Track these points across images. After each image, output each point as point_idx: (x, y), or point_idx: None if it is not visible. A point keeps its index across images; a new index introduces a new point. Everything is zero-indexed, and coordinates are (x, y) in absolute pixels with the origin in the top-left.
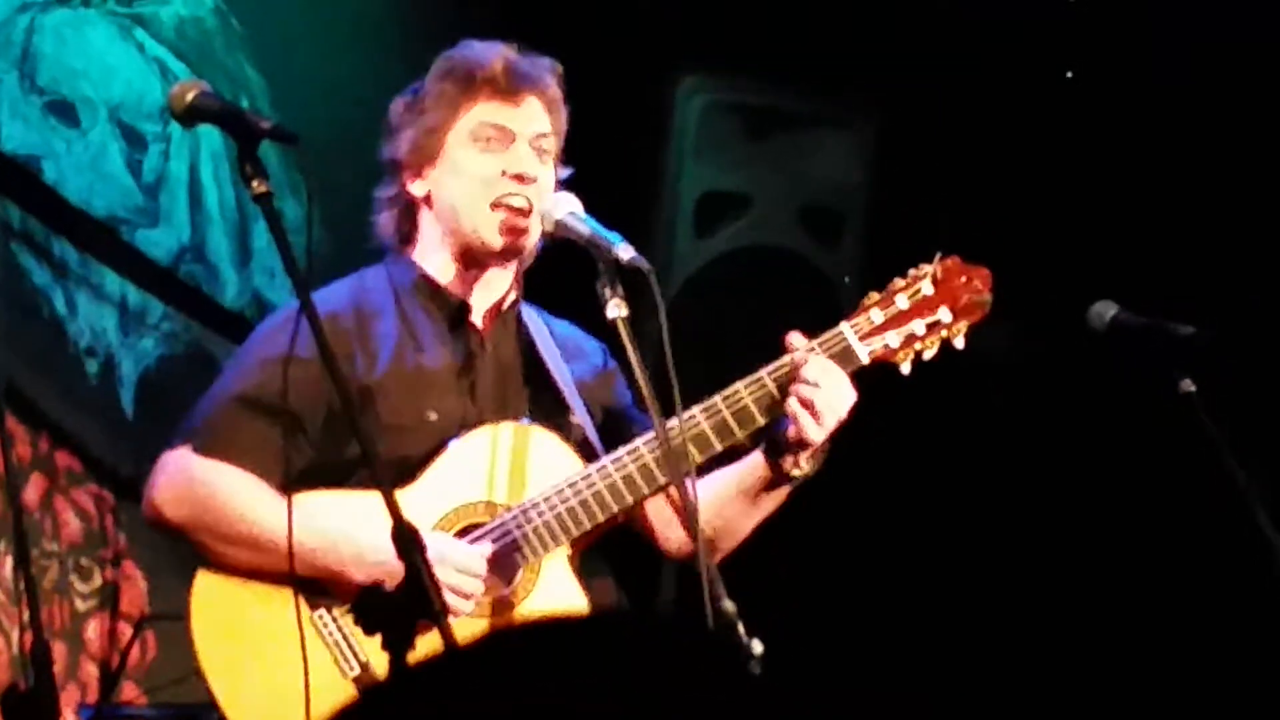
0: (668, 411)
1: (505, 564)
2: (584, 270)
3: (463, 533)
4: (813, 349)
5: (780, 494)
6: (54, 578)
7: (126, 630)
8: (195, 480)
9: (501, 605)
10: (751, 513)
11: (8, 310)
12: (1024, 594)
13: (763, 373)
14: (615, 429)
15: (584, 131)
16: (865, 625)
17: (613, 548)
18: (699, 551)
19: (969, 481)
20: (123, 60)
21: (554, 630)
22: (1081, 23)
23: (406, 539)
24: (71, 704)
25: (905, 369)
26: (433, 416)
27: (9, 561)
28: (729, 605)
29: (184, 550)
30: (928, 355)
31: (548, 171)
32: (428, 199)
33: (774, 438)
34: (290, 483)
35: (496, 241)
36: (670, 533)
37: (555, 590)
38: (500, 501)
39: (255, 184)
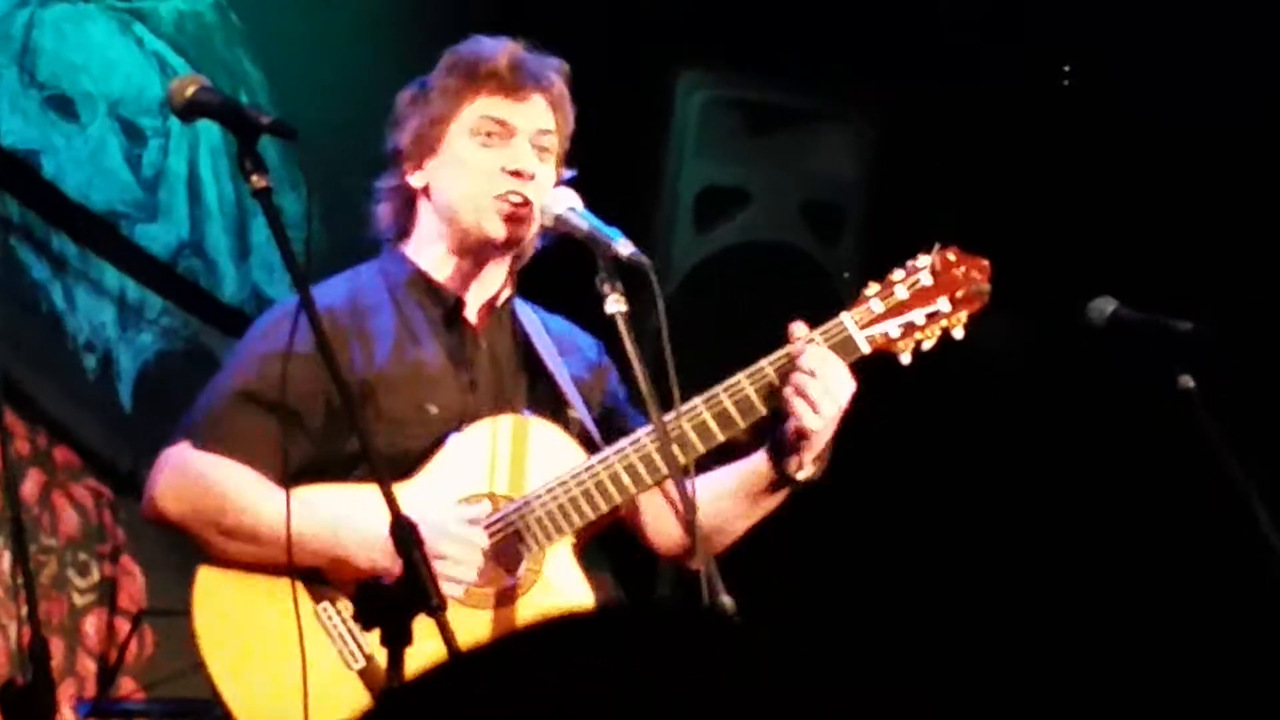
0: (667, 408)
1: (509, 554)
2: (583, 266)
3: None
4: (812, 339)
5: (779, 496)
6: (52, 573)
7: (124, 625)
8: (195, 475)
9: (505, 596)
10: (749, 513)
11: (6, 305)
12: (1022, 590)
13: (763, 362)
14: (610, 425)
15: (584, 126)
16: (863, 620)
17: (610, 543)
18: (696, 546)
19: (968, 477)
20: (122, 55)
21: (566, 628)
22: (1081, 19)
23: (404, 534)
24: (69, 699)
25: (905, 359)
26: (433, 410)
27: (7, 556)
28: (727, 601)
29: (182, 545)
30: (927, 345)
31: (547, 170)
32: (426, 190)
33: (777, 438)
34: (289, 478)
35: (498, 231)
36: (661, 530)
37: (560, 581)
38: (503, 493)
39: (254, 179)
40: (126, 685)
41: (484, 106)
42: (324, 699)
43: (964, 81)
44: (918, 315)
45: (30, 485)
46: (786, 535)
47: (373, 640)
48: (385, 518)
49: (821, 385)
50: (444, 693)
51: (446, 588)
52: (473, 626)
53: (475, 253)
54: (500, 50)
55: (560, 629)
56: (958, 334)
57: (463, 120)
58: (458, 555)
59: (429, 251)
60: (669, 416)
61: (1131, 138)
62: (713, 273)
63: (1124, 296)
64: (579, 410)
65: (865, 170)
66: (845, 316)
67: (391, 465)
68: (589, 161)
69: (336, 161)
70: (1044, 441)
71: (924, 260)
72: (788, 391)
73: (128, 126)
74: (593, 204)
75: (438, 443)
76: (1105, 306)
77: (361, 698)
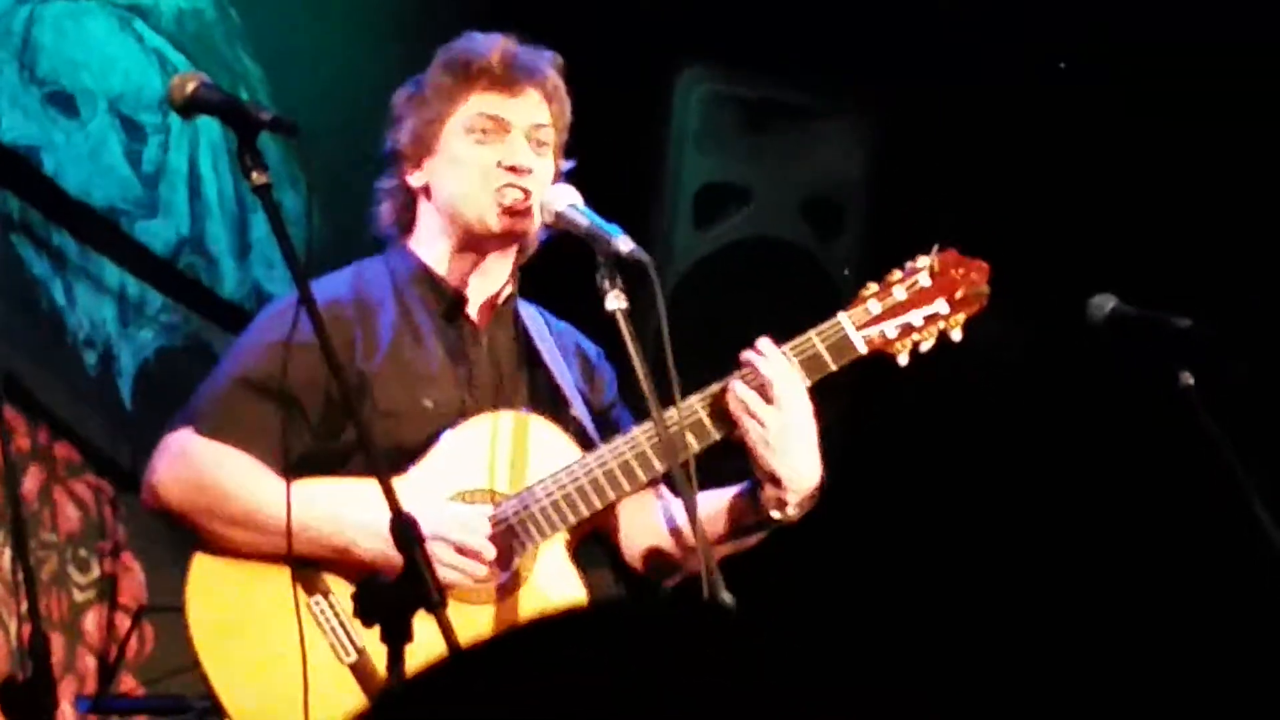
0: (667, 404)
1: (503, 550)
2: (583, 263)
3: None
4: (784, 352)
5: (756, 536)
6: (52, 569)
7: (125, 621)
8: (195, 462)
9: (499, 592)
10: (722, 546)
11: (6, 302)
12: (1021, 588)
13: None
14: (607, 428)
15: (584, 122)
16: (863, 617)
17: (609, 541)
18: (699, 544)
19: (967, 475)
20: (122, 52)
21: (559, 625)
22: (1080, 18)
23: (405, 529)
24: (69, 695)
25: (903, 360)
26: (428, 404)
27: (7, 553)
28: (727, 597)
29: (183, 542)
30: (925, 347)
31: (545, 163)
32: (426, 190)
33: (756, 475)
34: (289, 468)
35: (498, 226)
36: (633, 542)
37: (553, 578)
38: (499, 489)
39: (254, 175)
40: (127, 682)
41: (478, 104)
42: (315, 692)
43: (964, 79)
44: (915, 316)
45: (31, 481)
46: (786, 532)
47: (365, 634)
48: (386, 509)
49: (773, 394)
50: (441, 691)
51: (451, 576)
52: (467, 622)
53: (477, 249)
54: (492, 46)
55: (555, 626)
56: (956, 336)
57: (458, 118)
58: (464, 542)
59: (432, 248)
60: (668, 413)
61: (1131, 135)
62: (713, 269)
63: (1124, 293)
64: (578, 410)
65: (866, 167)
66: (842, 316)
67: (386, 458)
68: (589, 158)
69: (336, 158)
70: (1043, 438)
71: (923, 261)
72: (732, 403)
73: (128, 123)
74: (593, 200)
75: (433, 437)
76: (1105, 303)
77: (353, 691)
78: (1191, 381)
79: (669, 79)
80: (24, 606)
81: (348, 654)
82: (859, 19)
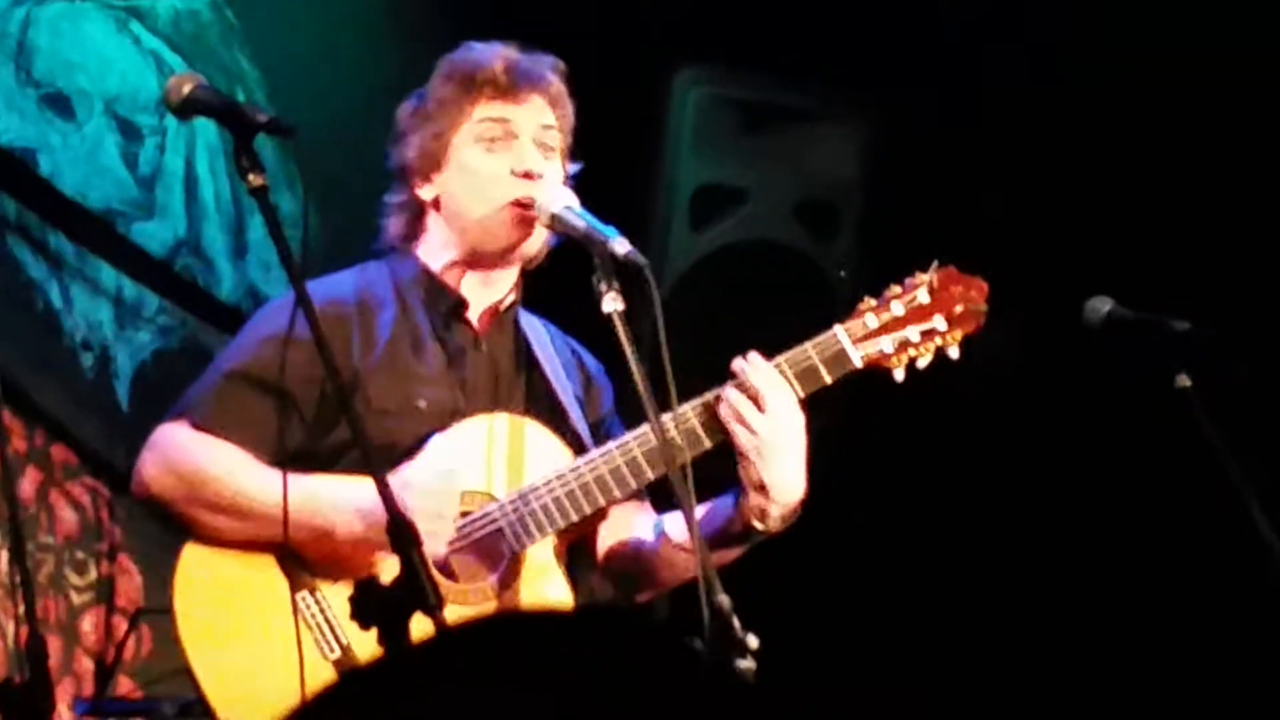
0: (664, 407)
1: (490, 553)
2: (579, 265)
3: None
4: (780, 364)
5: (739, 549)
6: (49, 571)
7: (122, 624)
8: (185, 452)
9: (484, 593)
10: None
11: (3, 304)
12: (1019, 591)
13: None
14: (602, 442)
15: (581, 125)
16: (860, 618)
17: None
18: (695, 545)
19: (964, 478)
20: (118, 53)
21: (528, 623)
22: (1078, 19)
23: (402, 533)
24: (67, 698)
25: (899, 375)
26: (421, 404)
27: (4, 555)
28: (724, 600)
29: (179, 545)
30: (922, 363)
31: (554, 167)
32: (436, 202)
33: (742, 484)
34: (284, 459)
35: (512, 236)
36: (609, 554)
37: (539, 581)
38: (490, 490)
39: (251, 177)
40: (124, 684)
41: (484, 113)
42: (298, 686)
43: (959, 81)
44: (913, 332)
45: (27, 484)
46: (785, 535)
47: (350, 630)
48: (362, 486)
49: (762, 403)
50: (402, 679)
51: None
52: (451, 623)
53: (483, 259)
54: (494, 56)
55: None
56: (953, 353)
57: (465, 130)
58: (424, 507)
59: (437, 256)
60: (663, 418)
61: (1127, 137)
62: (709, 271)
63: (1120, 296)
64: (575, 420)
65: (861, 169)
66: (839, 329)
67: (379, 456)
68: (586, 160)
69: (333, 159)
70: (1040, 441)
71: (922, 278)
72: (723, 410)
73: (124, 124)
74: (589, 202)
75: (425, 438)
76: (1101, 306)
77: None
78: (1188, 384)
79: (665, 81)
80: (21, 609)
81: (332, 650)
82: (855, 22)
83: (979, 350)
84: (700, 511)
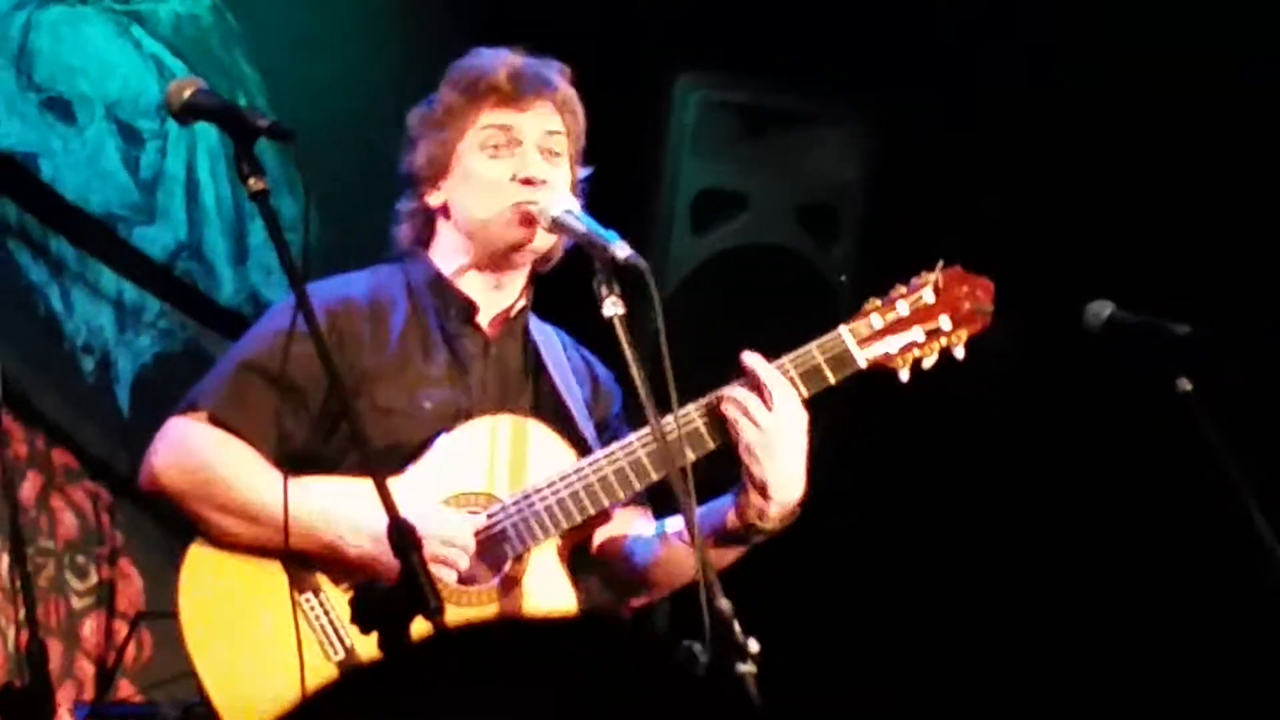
0: (664, 410)
1: (493, 554)
2: (581, 269)
3: None
4: (784, 363)
5: (737, 550)
6: (50, 575)
7: (122, 628)
8: (195, 448)
9: (487, 596)
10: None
11: (4, 308)
12: (1018, 593)
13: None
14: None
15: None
16: (854, 620)
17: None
18: (696, 546)
19: (964, 481)
20: (119, 57)
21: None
22: (1077, 21)
23: (403, 536)
24: (67, 702)
25: (904, 376)
26: (428, 405)
27: (5, 559)
28: (725, 604)
29: (180, 548)
30: (927, 363)
31: (559, 173)
32: (444, 209)
33: (741, 482)
34: (286, 459)
35: (515, 235)
36: (605, 558)
37: (543, 583)
38: (495, 491)
39: (252, 181)
40: (124, 688)
41: (488, 120)
42: (301, 686)
43: (960, 84)
44: (918, 332)
45: (28, 488)
46: (783, 537)
47: (354, 633)
48: (377, 509)
49: (759, 402)
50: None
51: (439, 572)
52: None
53: (493, 265)
54: (499, 63)
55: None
56: (959, 353)
57: (470, 137)
58: (443, 555)
59: (449, 261)
60: (665, 420)
61: (1127, 140)
62: (710, 275)
63: (1121, 299)
64: (582, 426)
65: (862, 173)
66: (844, 330)
67: (384, 456)
68: (587, 164)
69: (334, 163)
70: (1040, 444)
71: (927, 277)
72: (728, 407)
73: (125, 129)
74: (590, 206)
75: (430, 439)
76: (1102, 310)
77: None
78: (1189, 387)
79: (666, 86)
80: (22, 613)
81: (336, 652)
82: (854, 25)
83: (979, 353)
84: (698, 513)
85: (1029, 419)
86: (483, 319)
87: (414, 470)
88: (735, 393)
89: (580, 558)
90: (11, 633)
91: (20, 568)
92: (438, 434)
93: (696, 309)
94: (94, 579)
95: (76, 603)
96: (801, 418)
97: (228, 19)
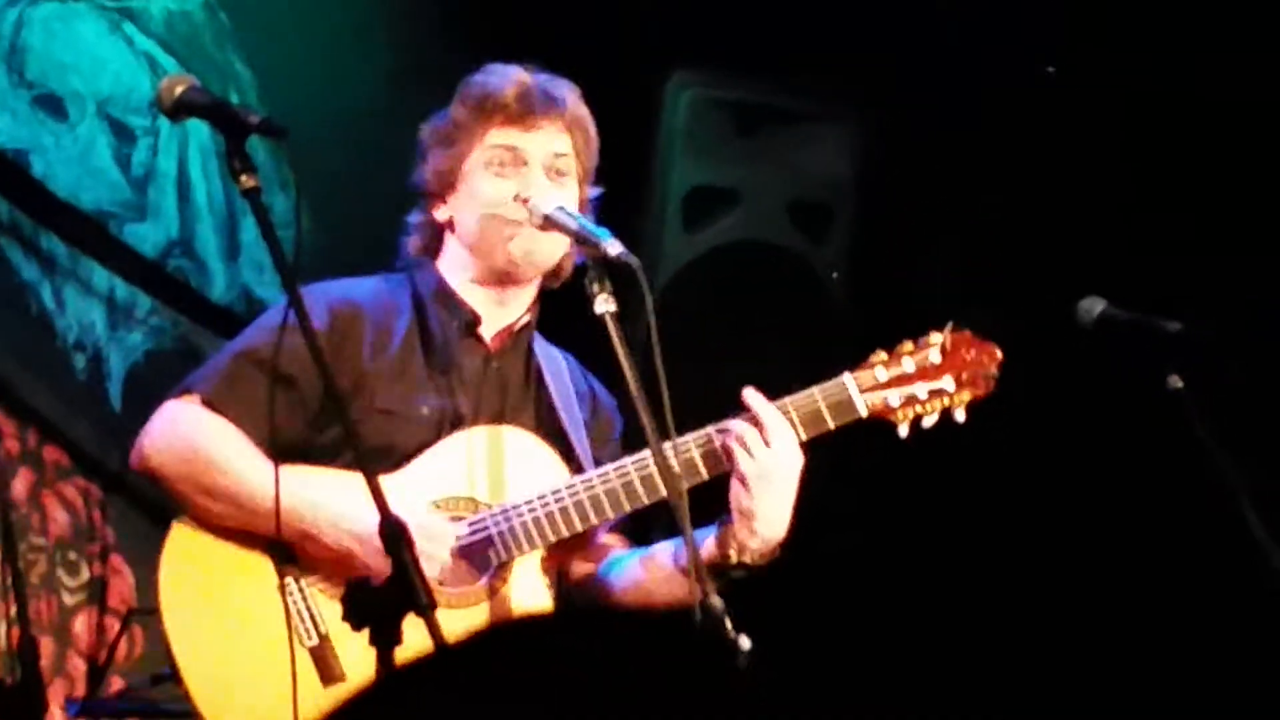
0: (656, 409)
1: (478, 559)
2: (574, 270)
3: None
4: (784, 406)
5: (691, 591)
6: (42, 572)
7: (114, 624)
8: (186, 430)
9: (467, 598)
10: (677, 591)
11: None
12: (1011, 591)
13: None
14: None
15: None
16: (852, 619)
17: None
18: (689, 550)
19: (954, 478)
20: (111, 54)
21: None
22: (1073, 19)
23: (394, 534)
24: (59, 698)
25: (903, 431)
26: (424, 410)
27: None
28: (717, 602)
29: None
30: (927, 422)
31: (566, 194)
32: (451, 224)
33: (724, 517)
34: (279, 454)
35: (515, 254)
36: (577, 581)
37: (523, 590)
38: (484, 499)
39: (244, 178)
40: (116, 684)
41: (495, 138)
42: (272, 669)
43: (953, 81)
44: (921, 389)
45: (20, 484)
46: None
47: (330, 620)
48: (364, 504)
49: (766, 436)
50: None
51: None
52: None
53: (497, 281)
54: (508, 81)
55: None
56: (959, 416)
57: (476, 154)
58: (426, 549)
59: (455, 274)
60: (664, 446)
61: (1120, 135)
62: (702, 272)
63: (1113, 296)
64: (579, 447)
65: (854, 170)
66: (848, 377)
67: (377, 456)
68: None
69: (326, 161)
70: (1031, 441)
71: (935, 338)
72: (725, 438)
73: (117, 126)
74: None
75: (425, 444)
76: (1094, 306)
77: (308, 673)
78: (1181, 384)
79: (657, 83)
80: (13, 610)
81: (309, 637)
82: (847, 23)
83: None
84: (677, 542)
85: (1019, 415)
86: (486, 332)
87: (404, 472)
88: (735, 425)
89: (560, 576)
90: (3, 629)
91: (11, 565)
92: (433, 440)
93: (688, 306)
94: (85, 575)
95: (68, 599)
96: (797, 458)
97: (220, 16)
